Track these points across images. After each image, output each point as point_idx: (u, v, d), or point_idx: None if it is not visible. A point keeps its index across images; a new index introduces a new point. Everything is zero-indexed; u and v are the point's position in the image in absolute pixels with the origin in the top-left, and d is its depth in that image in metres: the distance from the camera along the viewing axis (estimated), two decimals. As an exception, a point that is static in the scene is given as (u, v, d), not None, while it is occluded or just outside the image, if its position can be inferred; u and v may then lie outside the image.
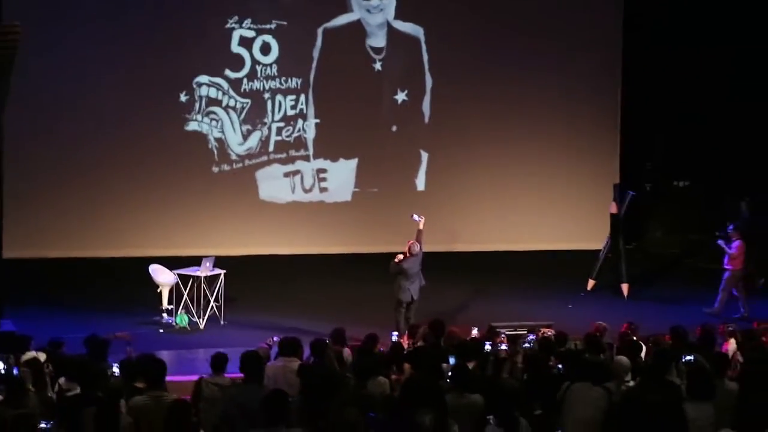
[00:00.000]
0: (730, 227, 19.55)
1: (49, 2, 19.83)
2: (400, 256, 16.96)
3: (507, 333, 14.80)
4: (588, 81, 22.99)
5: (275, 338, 13.21)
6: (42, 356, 12.59)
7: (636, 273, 21.24)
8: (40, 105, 19.90)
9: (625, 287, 20.52)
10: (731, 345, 13.59)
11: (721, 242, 19.47)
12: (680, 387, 9.92)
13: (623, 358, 11.53)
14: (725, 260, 19.23)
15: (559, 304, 19.39)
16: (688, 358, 12.04)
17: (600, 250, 20.69)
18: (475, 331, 14.24)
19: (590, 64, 22.99)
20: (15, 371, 11.73)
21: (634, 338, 13.62)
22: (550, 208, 22.37)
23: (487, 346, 12.78)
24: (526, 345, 13.16)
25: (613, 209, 20.90)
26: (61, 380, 11.47)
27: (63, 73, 20.36)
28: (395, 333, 14.81)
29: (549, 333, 14.59)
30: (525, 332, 14.93)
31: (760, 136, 23.12)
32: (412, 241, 17.05)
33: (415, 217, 17.58)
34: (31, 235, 19.94)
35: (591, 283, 20.50)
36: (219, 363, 11.52)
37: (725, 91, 23.22)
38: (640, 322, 15.77)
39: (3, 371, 11.42)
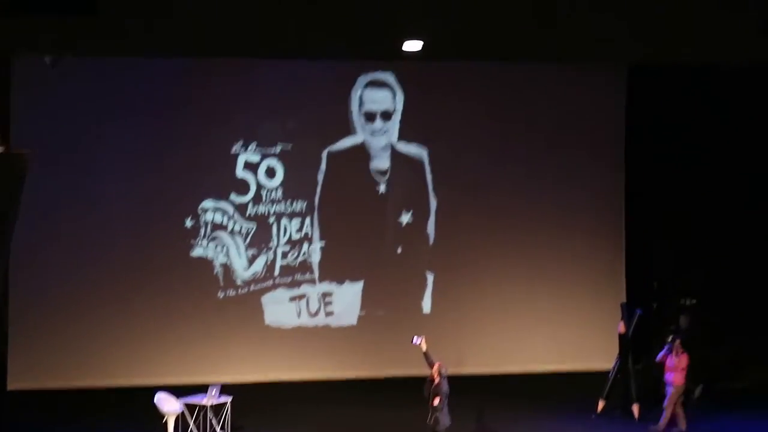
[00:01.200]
0: (676, 340, 19.73)
1: (59, 128, 20.10)
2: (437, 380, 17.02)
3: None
4: (591, 200, 23.14)
5: None
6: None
7: (646, 393, 21.28)
8: (45, 231, 20.08)
9: (635, 408, 20.56)
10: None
11: (663, 354, 19.68)
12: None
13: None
14: (669, 376, 19.38)
15: (568, 427, 19.49)
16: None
17: (609, 371, 20.78)
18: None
19: (593, 184, 23.15)
20: None
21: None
22: (557, 329, 22.45)
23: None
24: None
25: (621, 329, 21.03)
26: None
27: (68, 199, 20.63)
28: None
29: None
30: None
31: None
32: (439, 363, 17.15)
33: (415, 340, 17.70)
34: (35, 366, 20.06)
35: (601, 404, 20.54)
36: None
37: (732, 208, 23.36)
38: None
39: None
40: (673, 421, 19.34)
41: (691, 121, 22.81)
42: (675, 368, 19.42)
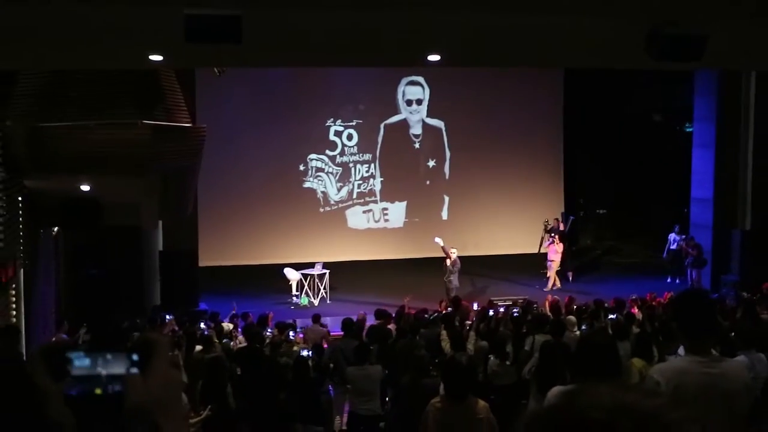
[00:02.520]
0: (555, 235, 19.76)
1: (225, 109, 19.92)
2: (453, 258, 17.14)
3: (501, 304, 14.90)
4: (542, 149, 22.94)
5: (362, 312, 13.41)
6: (230, 326, 12.84)
7: (576, 265, 21.23)
8: (219, 168, 19.91)
9: (570, 274, 20.53)
10: (636, 309, 13.61)
11: (548, 243, 19.78)
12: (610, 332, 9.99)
13: (572, 317, 11.57)
14: (551, 256, 19.45)
15: (528, 287, 19.47)
16: (611, 316, 12.12)
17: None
18: (475, 305, 14.24)
19: (543, 139, 22.95)
20: (206, 332, 11.99)
21: (575, 306, 13.67)
22: (524, 227, 22.25)
23: (491, 312, 12.91)
24: (515, 311, 13.24)
25: (561, 227, 20.93)
26: (240, 338, 11.70)
27: (233, 150, 20.51)
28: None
29: (522, 301, 14.77)
30: (511, 304, 15.00)
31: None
32: (449, 251, 17.23)
33: (436, 240, 17.76)
34: (217, 251, 20.18)
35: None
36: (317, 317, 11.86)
37: (634, 155, 23.14)
38: (578, 295, 15.83)
39: (205, 332, 11.68)
40: (554, 284, 19.37)
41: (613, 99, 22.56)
42: (555, 252, 19.48)
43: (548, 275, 19.61)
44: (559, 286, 19.21)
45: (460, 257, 17.69)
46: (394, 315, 12.74)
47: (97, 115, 11.39)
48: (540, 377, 7.05)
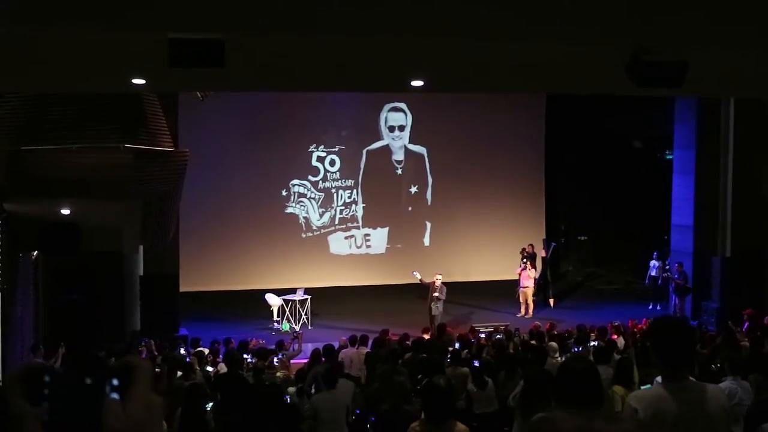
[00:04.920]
0: (527, 261, 19.72)
1: (207, 133, 19.72)
2: (438, 284, 17.13)
3: (483, 331, 14.90)
4: (524, 176, 23.00)
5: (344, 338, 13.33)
6: (206, 350, 12.74)
7: (557, 292, 21.21)
8: (200, 194, 19.78)
9: (551, 301, 20.52)
10: (616, 336, 13.61)
11: (520, 269, 19.69)
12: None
13: (553, 344, 11.58)
14: (523, 282, 19.42)
15: (510, 313, 19.40)
16: (593, 342, 12.12)
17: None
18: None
19: (525, 166, 23.04)
20: (187, 358, 11.88)
21: (555, 333, 13.69)
22: (505, 254, 22.18)
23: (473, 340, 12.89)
24: (498, 337, 13.24)
25: (543, 254, 20.94)
26: (221, 364, 11.61)
27: (216, 175, 20.45)
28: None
29: (504, 328, 14.76)
30: (493, 330, 14.99)
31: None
32: (434, 278, 17.24)
33: (415, 273, 17.78)
34: (198, 276, 19.97)
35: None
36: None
37: (615, 181, 23.23)
38: (560, 321, 15.81)
39: (187, 358, 11.58)
40: (527, 311, 19.30)
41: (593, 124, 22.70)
42: (526, 278, 19.45)
43: (520, 301, 19.60)
44: (530, 315, 19.07)
45: (443, 283, 17.67)
46: (372, 341, 12.71)
47: (79, 138, 11.32)
48: (525, 404, 7.01)
